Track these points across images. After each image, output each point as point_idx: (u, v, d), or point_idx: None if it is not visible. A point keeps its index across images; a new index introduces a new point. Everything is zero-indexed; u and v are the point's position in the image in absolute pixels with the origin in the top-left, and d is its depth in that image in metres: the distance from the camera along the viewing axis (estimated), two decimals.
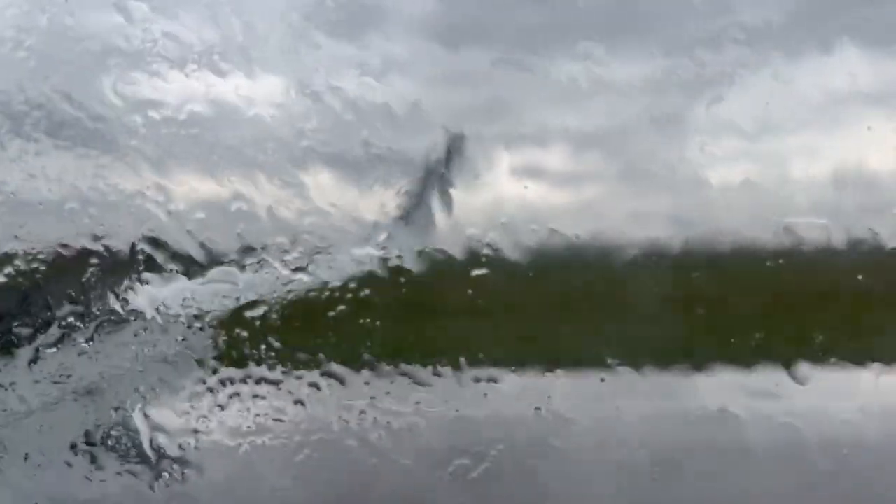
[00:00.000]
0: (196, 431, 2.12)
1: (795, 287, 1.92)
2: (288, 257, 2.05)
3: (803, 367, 1.93)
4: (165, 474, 2.16)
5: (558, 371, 1.97)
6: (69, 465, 2.24)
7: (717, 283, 1.97)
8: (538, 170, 2.01)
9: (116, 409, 2.22)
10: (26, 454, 2.25)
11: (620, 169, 1.97)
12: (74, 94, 1.98)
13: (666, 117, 1.91)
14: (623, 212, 1.96)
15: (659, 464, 2.02)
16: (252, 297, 2.04)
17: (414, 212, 2.08)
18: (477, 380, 2.03)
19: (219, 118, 2.02)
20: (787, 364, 1.93)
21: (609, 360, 1.96)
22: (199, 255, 2.05)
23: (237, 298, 2.06)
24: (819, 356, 1.89)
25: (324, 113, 2.09)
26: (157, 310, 2.13)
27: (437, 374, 2.04)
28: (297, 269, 2.05)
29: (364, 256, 2.07)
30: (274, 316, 2.03)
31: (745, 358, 1.91)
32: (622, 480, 2.03)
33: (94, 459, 2.22)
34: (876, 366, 1.90)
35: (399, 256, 2.09)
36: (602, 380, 1.97)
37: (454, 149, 2.01)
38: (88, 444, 2.25)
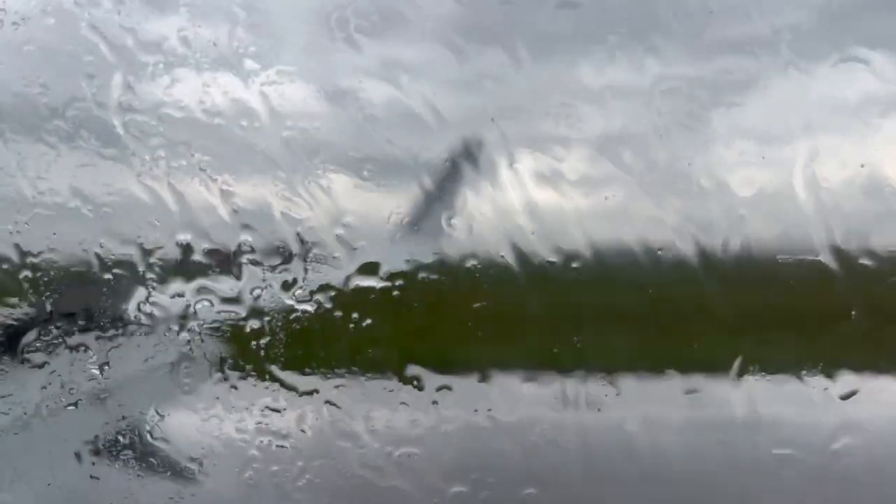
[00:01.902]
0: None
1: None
2: (301, 261, 2.09)
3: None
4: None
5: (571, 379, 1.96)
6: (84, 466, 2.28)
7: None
8: (554, 175, 2.03)
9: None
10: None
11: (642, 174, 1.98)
12: (89, 96, 2.06)
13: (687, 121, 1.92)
14: (642, 218, 1.96)
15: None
16: (265, 302, 2.07)
17: (426, 218, 2.09)
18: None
19: (232, 120, 2.09)
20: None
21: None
22: (222, 258, 2.10)
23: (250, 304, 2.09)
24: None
25: (337, 116, 2.15)
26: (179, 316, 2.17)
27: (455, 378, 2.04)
28: (307, 272, 2.09)
29: (378, 262, 2.09)
30: (290, 322, 2.06)
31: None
32: None
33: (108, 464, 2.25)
34: None
35: (410, 262, 2.11)
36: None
37: (468, 153, 2.03)
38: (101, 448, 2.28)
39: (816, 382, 1.94)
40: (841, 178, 1.89)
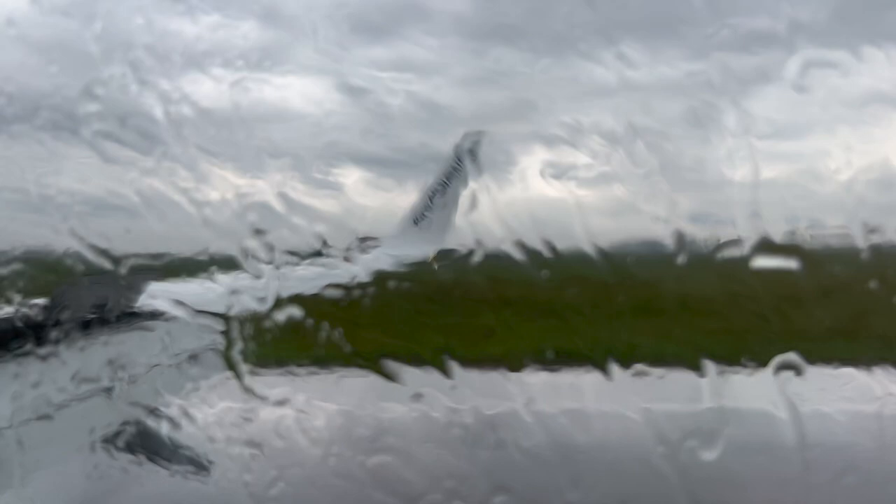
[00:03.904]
0: None
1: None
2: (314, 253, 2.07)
3: None
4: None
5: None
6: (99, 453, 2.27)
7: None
8: (564, 169, 1.99)
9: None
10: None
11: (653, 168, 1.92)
12: (113, 95, 2.03)
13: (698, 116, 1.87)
14: (651, 211, 1.91)
15: None
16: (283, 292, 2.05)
17: (427, 213, 2.07)
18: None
19: (249, 117, 2.07)
20: None
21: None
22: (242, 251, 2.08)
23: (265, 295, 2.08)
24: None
25: (352, 112, 2.16)
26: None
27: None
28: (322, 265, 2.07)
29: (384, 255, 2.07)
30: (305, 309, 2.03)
31: None
32: None
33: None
34: None
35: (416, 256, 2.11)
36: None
37: (471, 149, 1.99)
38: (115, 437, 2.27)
39: None
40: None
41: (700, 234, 1.83)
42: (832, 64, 1.81)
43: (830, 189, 1.84)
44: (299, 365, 2.06)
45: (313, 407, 2.05)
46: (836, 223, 1.77)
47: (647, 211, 1.93)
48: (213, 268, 2.09)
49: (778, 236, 1.81)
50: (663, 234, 1.87)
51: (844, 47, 1.78)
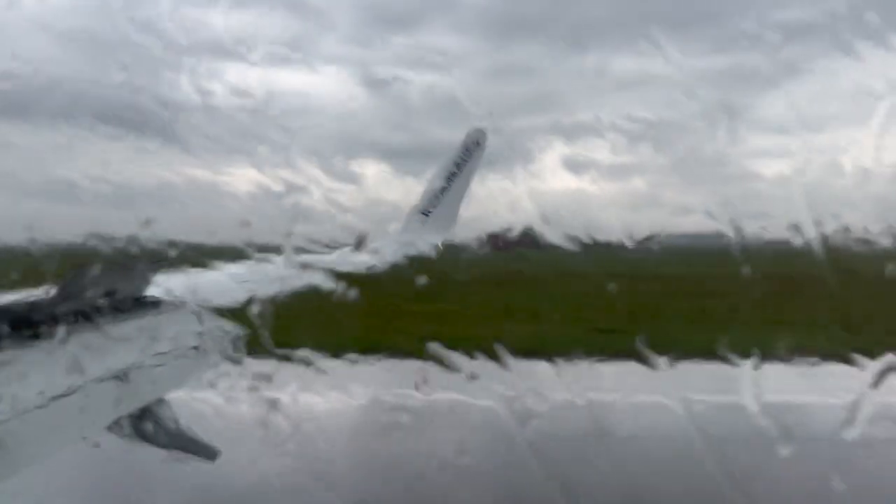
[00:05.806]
0: None
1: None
2: (327, 245, 2.13)
3: None
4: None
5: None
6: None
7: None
8: (584, 162, 2.05)
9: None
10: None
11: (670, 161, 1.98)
12: (137, 86, 2.07)
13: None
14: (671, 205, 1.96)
15: None
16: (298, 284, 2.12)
17: (435, 204, 2.13)
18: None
19: (264, 108, 2.12)
20: None
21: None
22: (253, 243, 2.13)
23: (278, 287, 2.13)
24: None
25: (371, 104, 2.18)
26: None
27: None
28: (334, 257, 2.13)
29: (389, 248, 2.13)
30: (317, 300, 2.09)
31: None
32: None
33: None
34: None
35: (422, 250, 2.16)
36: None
37: (478, 141, 2.06)
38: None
39: None
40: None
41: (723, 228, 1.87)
42: (859, 57, 1.87)
43: (855, 183, 1.90)
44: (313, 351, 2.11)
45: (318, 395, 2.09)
46: (861, 218, 1.83)
47: (668, 204, 1.98)
48: (227, 258, 2.13)
49: (801, 231, 1.85)
50: (685, 228, 1.91)
51: (872, 39, 1.83)
